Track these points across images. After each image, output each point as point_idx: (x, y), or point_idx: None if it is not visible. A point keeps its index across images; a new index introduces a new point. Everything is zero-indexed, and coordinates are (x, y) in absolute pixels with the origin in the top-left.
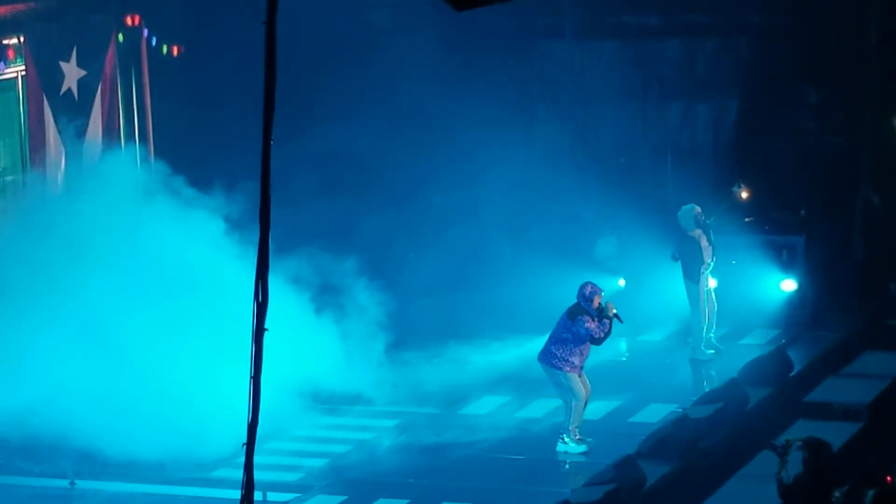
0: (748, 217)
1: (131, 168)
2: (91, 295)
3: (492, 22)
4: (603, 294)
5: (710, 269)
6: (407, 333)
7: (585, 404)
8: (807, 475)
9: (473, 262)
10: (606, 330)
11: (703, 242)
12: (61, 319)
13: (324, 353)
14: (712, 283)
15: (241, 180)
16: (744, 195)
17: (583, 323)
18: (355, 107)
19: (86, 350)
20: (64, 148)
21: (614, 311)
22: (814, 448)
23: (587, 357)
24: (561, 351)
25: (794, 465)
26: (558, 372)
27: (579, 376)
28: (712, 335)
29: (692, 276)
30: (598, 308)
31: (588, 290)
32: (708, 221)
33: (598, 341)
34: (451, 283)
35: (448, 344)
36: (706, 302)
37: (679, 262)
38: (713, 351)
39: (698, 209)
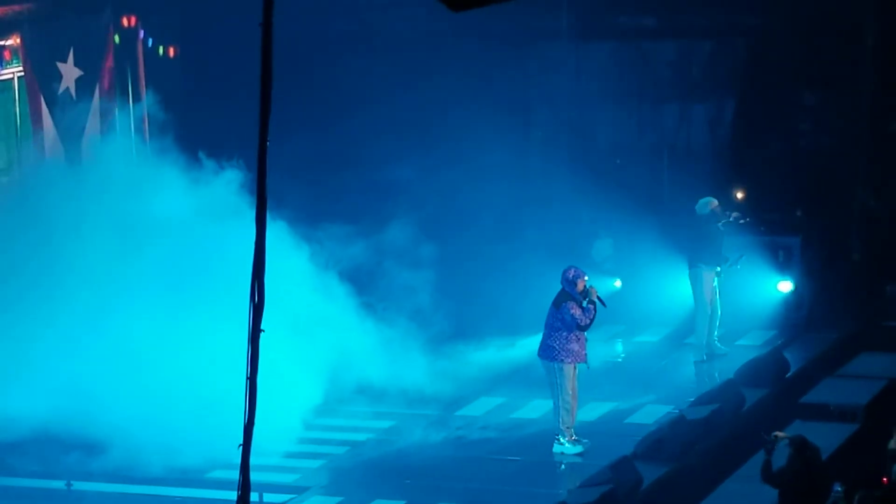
0: (744, 219)
1: (131, 161)
2: (85, 294)
3: (488, 23)
4: (587, 278)
5: (719, 269)
6: (404, 333)
7: (576, 405)
8: (789, 471)
9: (469, 264)
10: (591, 316)
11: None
12: (59, 317)
13: (317, 352)
14: None
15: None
16: (739, 195)
17: (568, 309)
18: (349, 109)
19: (85, 348)
20: (63, 147)
21: (597, 295)
22: (798, 447)
23: (586, 342)
24: (558, 342)
25: (780, 459)
26: (557, 365)
27: (575, 372)
28: (715, 336)
29: (705, 259)
30: (581, 292)
31: (571, 273)
32: (719, 225)
33: (583, 328)
34: (446, 283)
35: (444, 345)
36: (711, 300)
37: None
38: (708, 354)
39: (714, 203)
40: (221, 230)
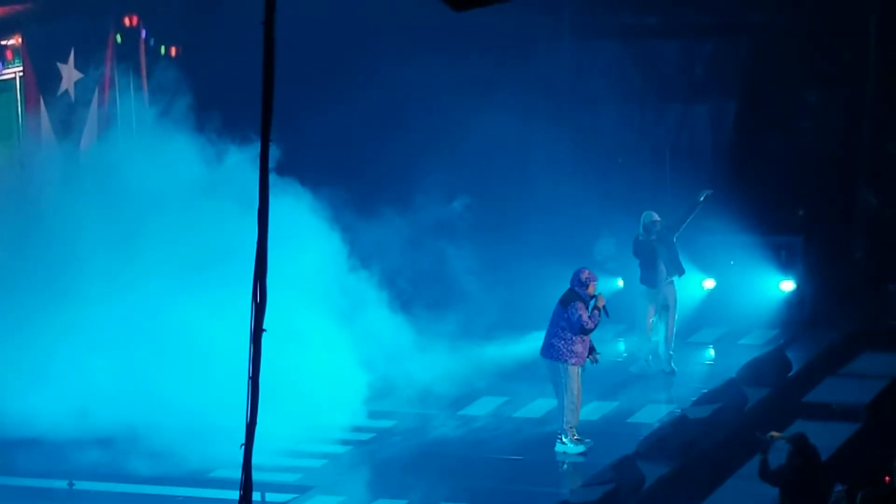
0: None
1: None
2: (93, 290)
3: (490, 23)
4: (597, 283)
5: (663, 280)
6: (406, 333)
7: (579, 405)
8: (788, 469)
9: (472, 263)
10: (595, 321)
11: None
12: (64, 314)
13: (320, 353)
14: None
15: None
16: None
17: (576, 310)
18: (351, 107)
19: (89, 347)
20: (60, 146)
21: (604, 304)
22: (798, 444)
23: (588, 345)
24: (562, 342)
25: (778, 458)
26: (561, 365)
27: (579, 372)
28: (647, 350)
29: (641, 277)
30: (591, 295)
31: (584, 275)
32: (664, 232)
33: (586, 331)
34: (448, 281)
35: (448, 343)
36: (650, 314)
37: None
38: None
39: (655, 217)
40: (241, 212)
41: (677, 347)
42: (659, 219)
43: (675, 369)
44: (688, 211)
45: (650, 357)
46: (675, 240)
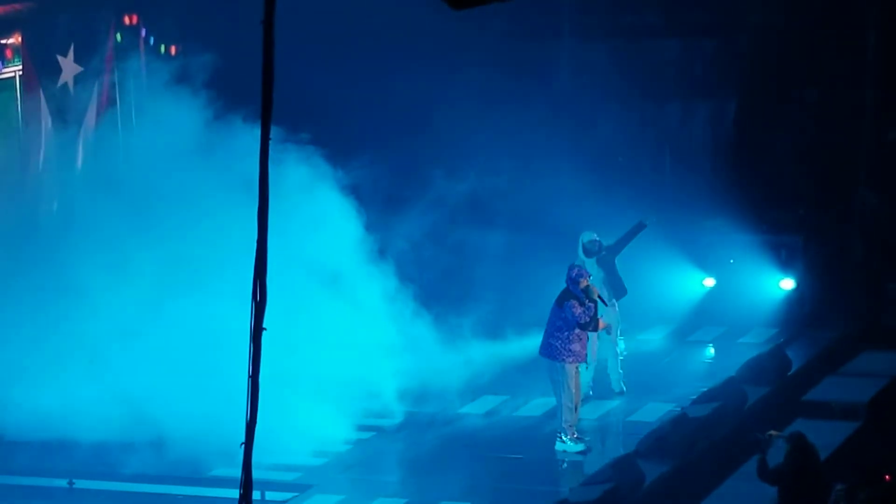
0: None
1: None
2: (93, 288)
3: (489, 22)
4: (590, 278)
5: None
6: (406, 332)
7: (578, 404)
8: (786, 467)
9: (470, 260)
10: (591, 314)
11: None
12: (69, 313)
13: (319, 350)
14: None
15: None
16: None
17: (570, 307)
18: (349, 107)
19: (92, 347)
20: (58, 142)
21: (598, 294)
22: (797, 443)
23: (587, 342)
24: (559, 341)
25: (777, 456)
26: (559, 364)
27: (577, 371)
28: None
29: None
30: (583, 289)
31: (575, 272)
32: (603, 253)
33: (584, 326)
34: (448, 281)
35: (447, 341)
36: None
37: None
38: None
39: (594, 236)
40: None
41: (677, 345)
42: (598, 238)
43: (625, 389)
44: (631, 234)
45: (619, 371)
46: (615, 262)
